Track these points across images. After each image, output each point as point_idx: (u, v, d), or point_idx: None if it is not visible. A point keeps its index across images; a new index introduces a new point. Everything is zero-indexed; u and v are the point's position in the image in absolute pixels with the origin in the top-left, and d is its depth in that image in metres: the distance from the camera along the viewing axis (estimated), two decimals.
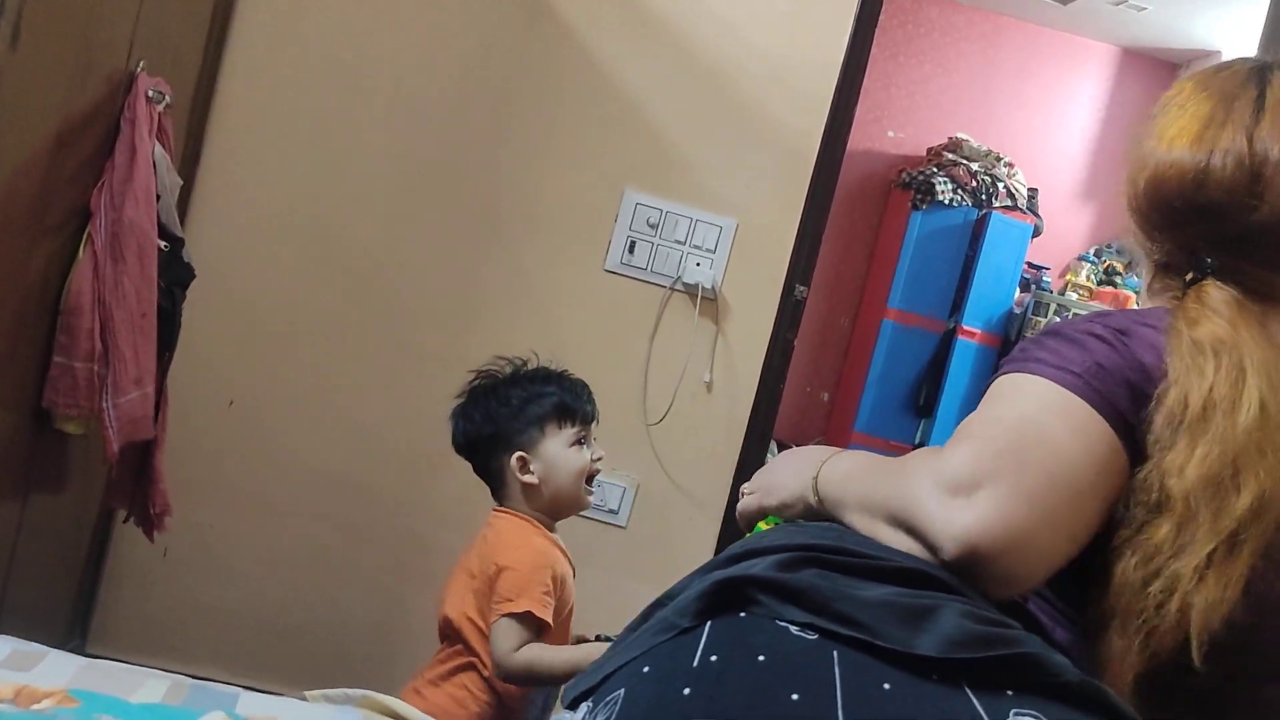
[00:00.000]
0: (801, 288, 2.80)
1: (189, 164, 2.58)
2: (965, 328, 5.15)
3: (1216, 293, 1.11)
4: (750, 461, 2.83)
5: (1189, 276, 1.15)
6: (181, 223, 2.56)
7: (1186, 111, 1.17)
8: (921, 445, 5.16)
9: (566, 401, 2.05)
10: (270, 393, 2.70)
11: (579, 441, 2.05)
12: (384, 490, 2.72)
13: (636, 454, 2.81)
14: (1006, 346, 5.17)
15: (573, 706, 0.93)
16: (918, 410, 5.25)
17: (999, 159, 5.32)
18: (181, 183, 2.29)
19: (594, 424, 2.10)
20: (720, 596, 0.94)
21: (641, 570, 2.83)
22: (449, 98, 2.71)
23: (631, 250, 2.76)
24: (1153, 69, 5.77)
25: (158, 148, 2.18)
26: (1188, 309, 1.10)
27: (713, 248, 2.76)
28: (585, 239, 2.75)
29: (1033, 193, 5.37)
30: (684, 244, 2.76)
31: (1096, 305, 5.24)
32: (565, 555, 2.07)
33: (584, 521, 2.82)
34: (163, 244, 2.17)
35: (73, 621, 2.60)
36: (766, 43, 2.74)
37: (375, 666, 2.69)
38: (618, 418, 2.80)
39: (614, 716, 0.86)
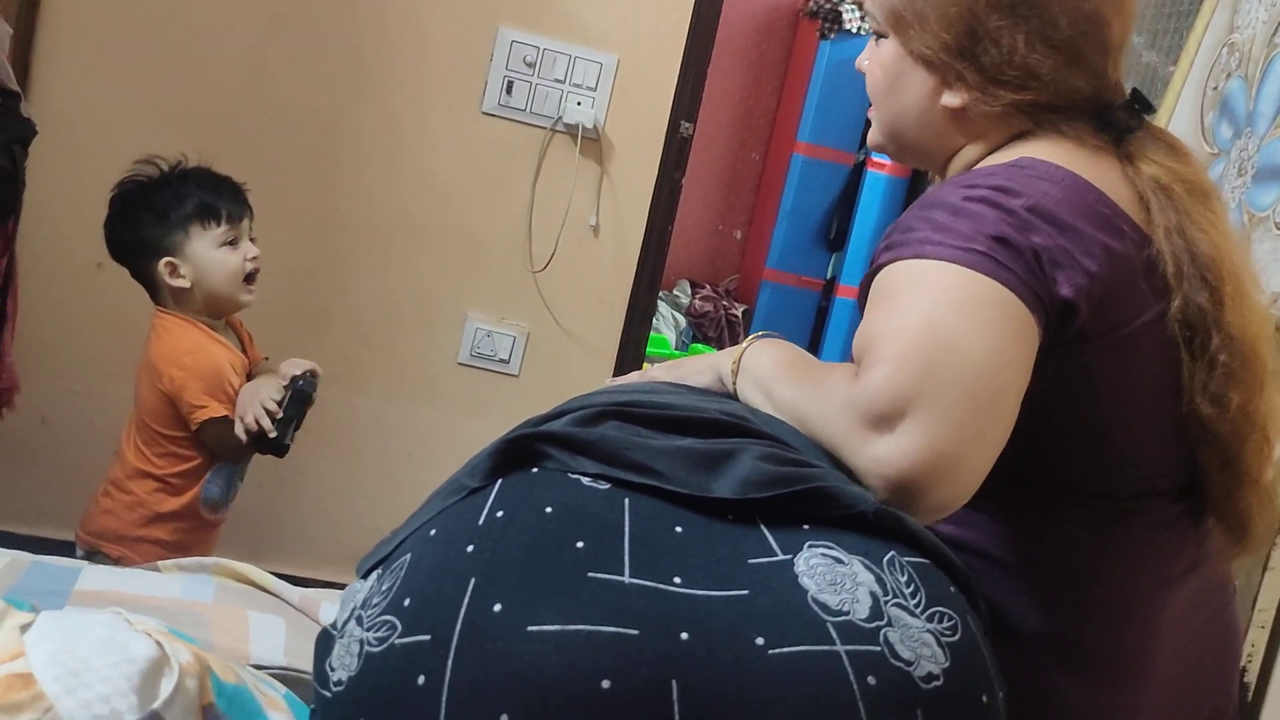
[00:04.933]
0: (687, 124, 2.72)
1: (27, 11, 2.42)
2: (875, 159, 5.08)
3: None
4: (640, 305, 2.79)
5: (1124, 118, 1.12)
6: (24, 76, 2.42)
7: None
8: (833, 280, 5.17)
9: (207, 201, 2.03)
10: None
11: (229, 243, 2.04)
12: (263, 348, 2.66)
13: (524, 302, 2.76)
14: (917, 177, 5.13)
15: (365, 576, 0.90)
16: (829, 244, 5.22)
17: None
18: (11, 31, 2.14)
19: (245, 221, 2.07)
20: (510, 454, 0.91)
21: None
22: None
23: (509, 91, 2.65)
24: None
25: None
26: (1159, 157, 1.10)
27: (593, 86, 2.67)
28: (459, 80, 2.64)
29: None
30: (563, 83, 2.66)
31: None
32: (229, 346, 2.11)
33: (476, 372, 2.79)
34: None
35: None
36: None
37: (256, 525, 2.65)
38: (502, 266, 2.74)
39: (398, 582, 0.84)
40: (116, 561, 1.97)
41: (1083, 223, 1.02)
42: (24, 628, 0.88)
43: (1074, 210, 1.02)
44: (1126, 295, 1.04)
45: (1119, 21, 1.11)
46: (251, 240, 2.09)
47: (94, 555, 2.00)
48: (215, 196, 2.03)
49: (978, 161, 1.14)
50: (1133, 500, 1.10)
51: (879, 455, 0.90)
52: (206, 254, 2.02)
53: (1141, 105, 1.14)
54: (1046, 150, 1.08)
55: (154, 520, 2.05)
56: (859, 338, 0.98)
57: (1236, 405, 1.06)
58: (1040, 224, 0.99)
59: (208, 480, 2.09)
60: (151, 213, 2.03)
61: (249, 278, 2.07)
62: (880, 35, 1.16)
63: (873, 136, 1.23)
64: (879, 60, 1.16)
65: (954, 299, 0.95)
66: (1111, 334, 1.03)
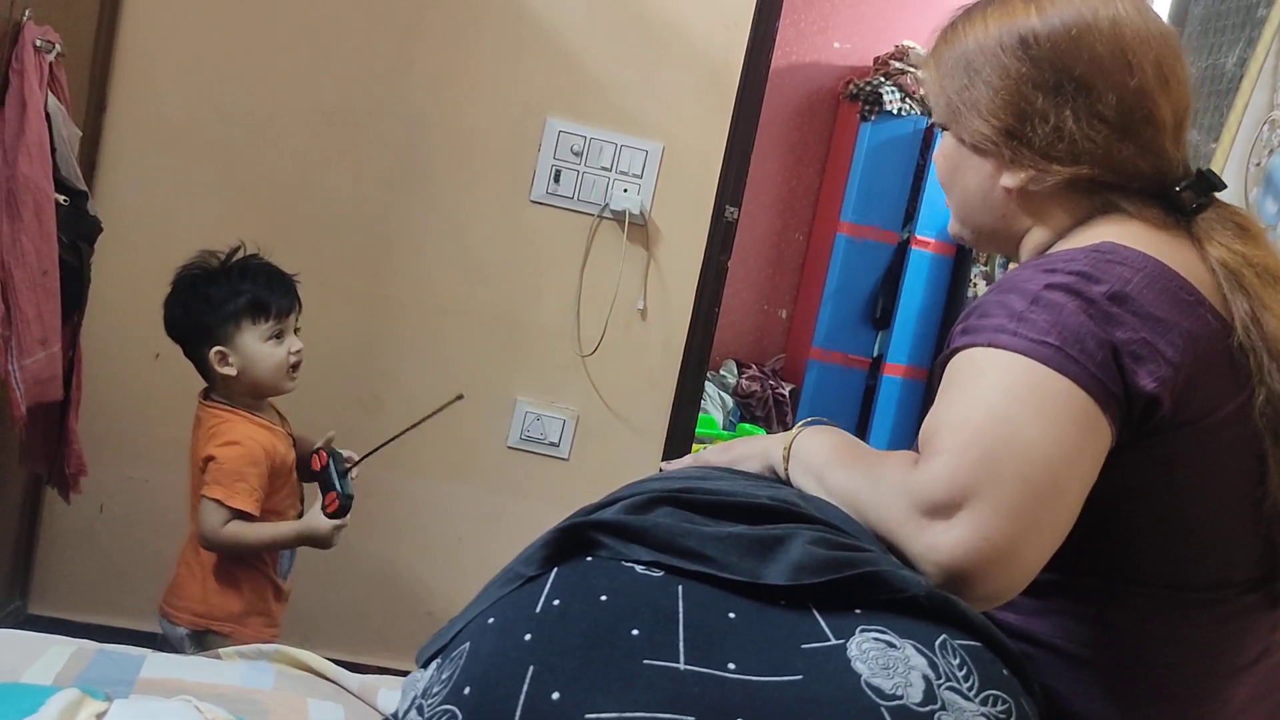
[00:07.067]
0: (732, 209, 2.76)
1: (94, 113, 2.52)
2: (919, 237, 5.10)
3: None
4: (688, 387, 2.81)
5: (1190, 197, 1.12)
6: (91, 174, 2.51)
7: None
8: (880, 358, 5.17)
9: (260, 297, 2.13)
10: None
11: (275, 336, 2.15)
12: (316, 432, 2.69)
13: (573, 386, 2.79)
14: (961, 254, 5.14)
15: (425, 665, 0.92)
16: (875, 323, 5.23)
17: None
18: (80, 134, 2.23)
19: (293, 316, 2.18)
20: (564, 543, 0.93)
21: (586, 502, 2.82)
22: (358, 28, 2.64)
23: (557, 179, 2.71)
24: None
25: (51, 99, 2.12)
26: (1227, 240, 1.10)
27: (639, 173, 2.72)
28: (509, 170, 2.71)
29: None
30: (610, 170, 2.72)
31: None
32: (276, 429, 2.20)
33: (526, 455, 2.81)
34: (62, 198, 2.12)
35: (12, 583, 2.59)
36: None
37: (308, 609, 2.68)
38: (551, 350, 2.78)
39: (458, 671, 0.86)
40: (228, 637, 2.07)
41: (1164, 310, 1.01)
42: (99, 716, 0.91)
43: (1156, 298, 1.01)
44: (1210, 384, 1.03)
45: (1166, 99, 1.12)
46: (297, 332, 2.19)
47: (203, 635, 2.10)
48: (268, 293, 2.14)
49: (1049, 244, 1.15)
50: (1206, 591, 1.08)
51: (933, 543, 0.91)
52: (254, 347, 2.13)
53: (1208, 184, 1.14)
54: (1124, 233, 1.08)
55: (257, 597, 2.15)
56: (926, 425, 0.99)
57: None
58: (1121, 314, 0.99)
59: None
60: (207, 302, 2.13)
61: (293, 367, 2.18)
62: (943, 128, 1.21)
63: (951, 225, 1.27)
64: (942, 151, 1.22)
65: (1020, 392, 0.95)
66: (1196, 423, 1.02)
